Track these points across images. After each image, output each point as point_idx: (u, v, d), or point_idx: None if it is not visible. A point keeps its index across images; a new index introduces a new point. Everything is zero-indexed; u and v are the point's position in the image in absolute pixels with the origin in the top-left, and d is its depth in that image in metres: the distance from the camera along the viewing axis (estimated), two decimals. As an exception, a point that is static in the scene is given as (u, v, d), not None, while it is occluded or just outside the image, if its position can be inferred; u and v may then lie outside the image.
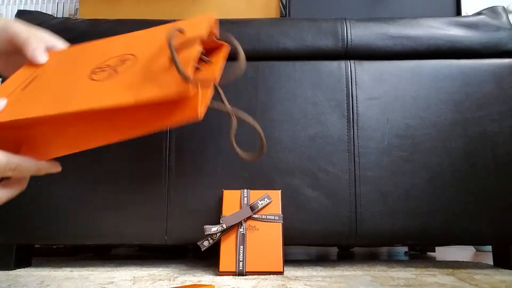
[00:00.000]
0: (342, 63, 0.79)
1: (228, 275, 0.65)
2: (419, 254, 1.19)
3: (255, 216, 0.69)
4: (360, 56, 0.79)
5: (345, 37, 0.79)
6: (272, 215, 0.69)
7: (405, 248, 1.33)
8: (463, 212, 0.73)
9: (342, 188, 0.74)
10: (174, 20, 0.89)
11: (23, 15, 0.83)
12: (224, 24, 0.83)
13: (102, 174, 0.75)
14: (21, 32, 0.47)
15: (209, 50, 0.43)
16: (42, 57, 0.48)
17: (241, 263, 0.65)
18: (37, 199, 0.74)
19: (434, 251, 1.24)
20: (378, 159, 0.75)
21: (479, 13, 0.82)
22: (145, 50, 0.40)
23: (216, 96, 0.42)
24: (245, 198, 0.70)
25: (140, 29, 0.47)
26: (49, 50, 0.50)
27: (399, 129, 0.76)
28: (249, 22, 0.82)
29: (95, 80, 0.38)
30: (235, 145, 0.45)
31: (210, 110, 0.73)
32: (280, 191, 0.72)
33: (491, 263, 0.82)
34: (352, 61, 0.79)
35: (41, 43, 0.49)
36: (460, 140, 0.75)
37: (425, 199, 0.73)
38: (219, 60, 0.41)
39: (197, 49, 0.36)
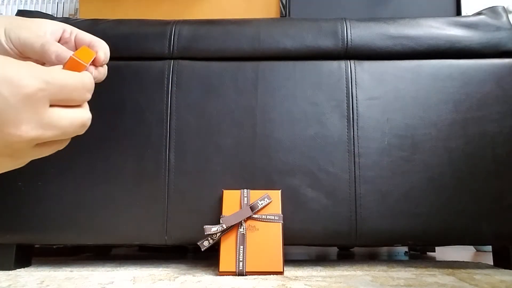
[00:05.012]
0: (342, 63, 0.79)
1: (228, 275, 0.65)
2: (419, 254, 1.19)
3: (255, 216, 0.69)
4: (360, 56, 0.79)
5: (345, 37, 0.79)
6: (272, 215, 0.69)
7: (405, 248, 1.33)
8: (463, 212, 0.73)
9: (342, 188, 0.74)
10: (174, 20, 0.89)
11: (23, 15, 0.83)
12: (224, 24, 0.83)
13: (102, 174, 0.75)
14: (33, 44, 0.37)
15: None
16: (66, 53, 0.38)
17: (241, 263, 0.65)
18: (37, 200, 0.74)
19: (434, 251, 1.24)
20: (378, 159, 0.75)
21: (479, 13, 0.82)
22: None
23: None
24: (245, 198, 0.70)
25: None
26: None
27: (399, 129, 0.76)
28: (249, 22, 0.82)
29: None
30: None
31: (211, 109, 0.73)
32: (280, 191, 0.72)
33: (491, 263, 0.82)
34: (352, 61, 0.79)
35: (55, 44, 0.38)
36: (460, 140, 0.75)
37: (425, 199, 0.73)
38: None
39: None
